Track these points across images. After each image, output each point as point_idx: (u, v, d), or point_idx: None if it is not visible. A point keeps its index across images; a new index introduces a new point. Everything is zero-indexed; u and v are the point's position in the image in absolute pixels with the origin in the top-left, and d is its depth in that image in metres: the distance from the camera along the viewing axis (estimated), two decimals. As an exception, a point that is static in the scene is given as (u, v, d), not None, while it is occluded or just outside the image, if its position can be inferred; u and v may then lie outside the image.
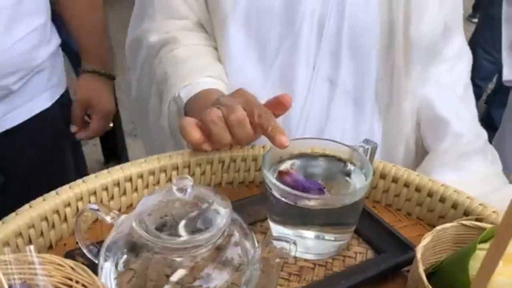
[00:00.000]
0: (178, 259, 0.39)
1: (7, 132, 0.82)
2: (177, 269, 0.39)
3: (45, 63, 0.86)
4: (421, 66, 0.69)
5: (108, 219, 0.43)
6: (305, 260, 0.49)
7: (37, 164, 0.90)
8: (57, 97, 0.91)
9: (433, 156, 0.69)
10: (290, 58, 0.67)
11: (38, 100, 0.87)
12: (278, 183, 0.46)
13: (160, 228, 0.39)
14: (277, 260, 0.38)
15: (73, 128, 0.96)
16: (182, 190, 0.39)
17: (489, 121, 2.14)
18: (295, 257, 0.50)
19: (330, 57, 0.67)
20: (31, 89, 0.84)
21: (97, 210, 0.43)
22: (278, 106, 0.53)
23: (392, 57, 0.67)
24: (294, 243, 0.38)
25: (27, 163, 0.89)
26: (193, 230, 0.39)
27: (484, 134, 0.74)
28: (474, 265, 0.39)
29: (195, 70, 0.66)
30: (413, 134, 0.73)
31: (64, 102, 0.94)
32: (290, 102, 0.53)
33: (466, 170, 0.67)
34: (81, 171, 1.00)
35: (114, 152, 2.08)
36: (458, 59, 0.74)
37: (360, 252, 0.51)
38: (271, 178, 0.47)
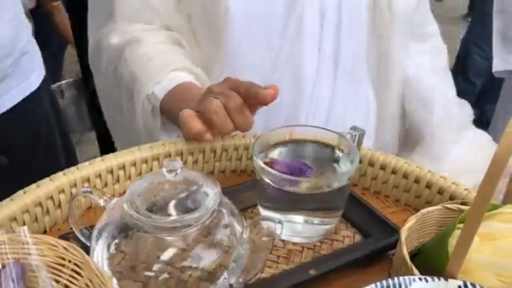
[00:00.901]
0: (168, 239, 0.40)
1: (4, 114, 0.85)
2: (167, 249, 0.40)
3: (28, 45, 0.89)
4: (403, 38, 0.74)
5: (101, 202, 0.44)
6: (294, 243, 0.51)
7: (35, 144, 0.93)
8: (41, 78, 0.93)
9: (429, 130, 0.75)
10: (296, 43, 0.69)
11: (28, 81, 0.90)
12: (267, 168, 0.47)
13: (151, 208, 0.40)
14: (264, 238, 0.39)
15: None
16: (172, 171, 0.40)
17: (481, 117, 2.16)
18: (283, 241, 0.51)
19: (332, 38, 0.70)
20: (21, 71, 0.87)
21: (90, 192, 0.44)
22: (265, 97, 0.54)
23: (377, 31, 0.71)
24: (280, 222, 0.39)
25: (26, 144, 0.91)
26: (182, 210, 0.40)
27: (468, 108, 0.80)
28: (453, 243, 0.40)
29: (163, 66, 0.66)
30: (400, 109, 0.78)
31: (48, 85, 0.96)
32: (277, 92, 0.54)
33: (467, 139, 0.74)
34: (70, 158, 1.02)
35: (112, 150, 2.08)
36: (435, 44, 0.81)
37: (348, 236, 0.52)
38: (260, 163, 0.48)
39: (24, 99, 0.88)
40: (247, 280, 0.41)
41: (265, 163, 0.50)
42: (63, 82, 1.77)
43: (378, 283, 0.36)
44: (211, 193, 0.42)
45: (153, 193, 0.41)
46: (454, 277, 0.37)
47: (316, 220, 0.51)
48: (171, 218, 0.39)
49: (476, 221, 0.34)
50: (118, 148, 0.82)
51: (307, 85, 0.71)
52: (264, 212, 0.52)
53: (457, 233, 0.40)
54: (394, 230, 0.51)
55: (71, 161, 1.02)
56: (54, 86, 1.46)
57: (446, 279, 0.37)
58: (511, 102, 1.04)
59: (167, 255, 0.40)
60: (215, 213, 0.42)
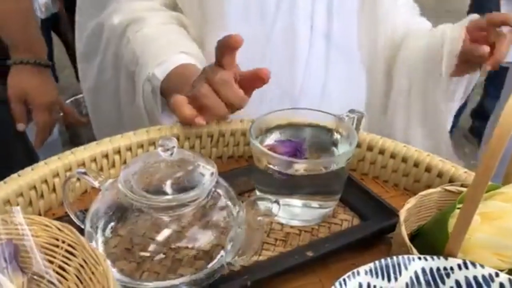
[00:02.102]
0: (164, 218, 0.39)
1: None
2: (163, 229, 0.40)
3: None
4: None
5: (96, 183, 0.43)
6: (291, 226, 0.50)
7: None
8: None
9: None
10: (289, 19, 0.69)
11: None
12: (264, 149, 0.47)
13: (146, 188, 0.39)
14: (259, 218, 0.38)
15: (20, 127, 0.88)
16: (167, 150, 0.39)
17: (482, 112, 2.15)
18: (281, 224, 0.50)
19: (324, 14, 0.70)
20: None
21: (85, 174, 0.43)
22: (256, 79, 0.53)
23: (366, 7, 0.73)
24: (276, 202, 0.38)
25: None
26: (178, 190, 0.39)
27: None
28: (453, 222, 0.39)
29: (167, 47, 0.66)
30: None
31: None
32: (268, 76, 0.53)
33: None
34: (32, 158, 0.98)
35: None
36: None
37: (346, 219, 0.51)
38: (257, 144, 0.47)
39: None
40: (243, 258, 0.40)
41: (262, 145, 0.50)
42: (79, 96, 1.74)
43: (377, 262, 0.35)
44: (208, 173, 0.41)
45: (149, 173, 0.40)
46: (453, 256, 0.36)
47: (314, 204, 0.51)
48: (167, 197, 0.38)
49: (476, 199, 0.33)
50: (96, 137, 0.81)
51: (301, 61, 0.71)
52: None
53: (457, 213, 0.40)
54: (392, 213, 0.50)
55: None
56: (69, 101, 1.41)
57: (445, 258, 0.36)
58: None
59: (162, 235, 0.40)
60: (211, 194, 0.42)
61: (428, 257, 0.36)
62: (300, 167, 0.46)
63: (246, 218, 0.39)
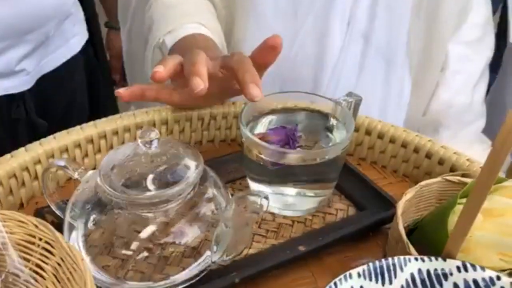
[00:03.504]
0: (147, 215, 0.37)
1: (43, 77, 0.85)
2: (146, 226, 0.38)
3: (72, 8, 0.87)
4: (451, 22, 0.68)
5: (75, 175, 0.41)
6: (284, 217, 0.48)
7: (71, 108, 0.94)
8: (83, 43, 0.93)
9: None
10: (324, 13, 0.63)
11: (68, 46, 0.89)
12: (255, 139, 0.44)
13: (126, 183, 0.37)
14: (248, 215, 0.36)
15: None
16: (147, 142, 0.37)
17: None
18: (273, 214, 0.48)
19: (366, 11, 0.64)
20: (62, 35, 0.87)
21: (64, 166, 0.41)
22: (268, 51, 0.48)
23: (423, 11, 0.65)
24: (266, 198, 0.36)
25: (63, 108, 0.92)
26: (161, 184, 0.37)
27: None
28: (454, 219, 0.37)
29: (182, 15, 0.61)
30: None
31: (88, 51, 0.96)
32: (280, 43, 0.47)
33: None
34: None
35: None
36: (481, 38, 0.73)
37: (341, 209, 0.49)
38: (247, 133, 0.44)
39: (65, 63, 0.88)
40: (230, 257, 0.38)
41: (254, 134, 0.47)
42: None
43: (371, 264, 0.33)
44: (193, 165, 0.39)
45: (129, 167, 0.38)
46: (453, 257, 0.34)
47: (308, 192, 0.48)
48: (149, 193, 0.36)
49: (481, 198, 0.31)
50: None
51: (329, 61, 0.65)
52: (253, 184, 0.49)
53: (458, 209, 0.37)
54: (390, 203, 0.48)
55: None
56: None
57: (444, 259, 0.34)
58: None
59: (146, 232, 0.37)
60: (197, 187, 0.39)
61: (425, 258, 0.34)
62: (293, 157, 0.44)
63: (234, 215, 0.36)
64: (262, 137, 0.46)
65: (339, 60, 0.66)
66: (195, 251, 0.39)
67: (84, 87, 0.96)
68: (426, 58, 0.69)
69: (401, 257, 0.34)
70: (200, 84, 0.42)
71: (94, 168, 0.54)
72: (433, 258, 0.34)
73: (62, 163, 0.41)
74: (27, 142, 0.50)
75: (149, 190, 0.36)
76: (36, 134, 0.86)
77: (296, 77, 0.60)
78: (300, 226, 0.47)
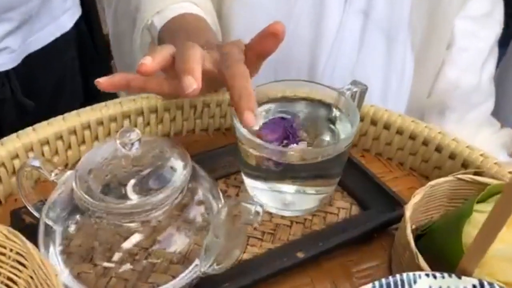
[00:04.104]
0: (128, 225, 0.33)
1: (30, 56, 0.80)
2: (129, 234, 0.34)
3: None
4: None
5: (51, 176, 0.37)
6: (282, 217, 0.44)
7: (60, 88, 0.89)
8: (75, 20, 0.87)
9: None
10: None
11: (57, 23, 0.84)
12: (250, 136, 0.40)
13: (106, 189, 0.33)
14: (240, 225, 0.32)
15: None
16: (126, 144, 0.33)
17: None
18: (270, 213, 0.45)
19: None
20: (51, 11, 0.81)
21: (39, 167, 0.37)
22: (269, 38, 0.43)
23: None
24: (261, 206, 0.32)
25: (51, 87, 0.87)
26: (144, 190, 0.33)
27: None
28: (469, 230, 0.34)
29: None
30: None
31: (81, 27, 0.89)
32: (282, 30, 0.42)
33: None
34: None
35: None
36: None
37: (344, 208, 0.46)
38: (240, 128, 0.40)
39: (53, 41, 0.83)
40: (221, 267, 0.35)
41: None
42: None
43: (377, 282, 0.30)
44: (180, 167, 0.35)
45: (108, 170, 0.34)
46: (469, 274, 0.31)
47: (309, 190, 0.45)
48: (130, 202, 0.32)
49: (507, 211, 0.27)
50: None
51: (326, 40, 0.61)
52: (248, 180, 0.45)
53: (474, 218, 0.34)
54: (396, 202, 0.44)
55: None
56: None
57: (459, 277, 0.30)
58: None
59: (129, 242, 0.34)
60: (185, 190, 0.36)
61: (437, 274, 0.31)
62: (292, 155, 0.40)
63: (225, 224, 0.33)
64: (257, 135, 0.42)
65: (337, 38, 0.62)
66: (184, 258, 0.36)
67: (76, 68, 0.90)
68: (430, 35, 0.65)
69: (410, 274, 0.31)
70: (193, 84, 0.37)
71: (79, 160, 0.51)
72: (446, 275, 0.31)
73: (36, 163, 0.37)
74: (15, 123, 0.46)
75: (131, 198, 0.32)
76: (24, 116, 0.83)
77: (292, 57, 0.55)
78: (299, 227, 0.44)
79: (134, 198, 0.32)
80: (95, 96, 0.97)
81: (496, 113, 0.74)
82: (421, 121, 0.50)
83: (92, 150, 0.35)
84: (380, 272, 0.41)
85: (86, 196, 0.32)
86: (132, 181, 0.33)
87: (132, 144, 0.32)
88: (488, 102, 0.72)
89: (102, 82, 0.42)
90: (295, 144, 0.42)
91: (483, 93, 0.71)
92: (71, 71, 0.90)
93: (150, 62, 0.39)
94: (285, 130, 0.43)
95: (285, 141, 0.42)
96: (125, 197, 0.32)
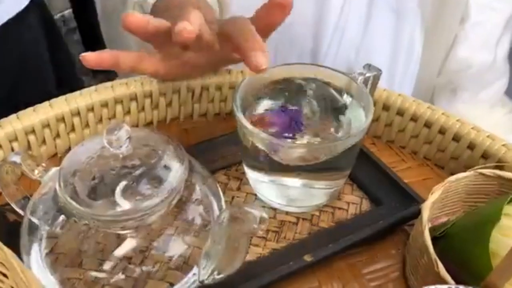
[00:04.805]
0: (118, 232, 0.30)
1: None
2: (121, 241, 0.31)
3: None
4: None
5: (34, 174, 0.33)
6: (287, 213, 0.41)
7: (22, 70, 0.81)
8: None
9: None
10: None
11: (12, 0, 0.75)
12: (252, 128, 0.36)
13: (93, 193, 0.30)
14: (243, 231, 0.29)
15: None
16: (114, 142, 0.29)
17: None
18: (274, 209, 0.42)
19: None
20: None
21: (19, 163, 0.33)
22: (275, 9, 0.40)
23: None
24: (266, 213, 0.29)
25: (13, 69, 0.78)
26: (136, 194, 0.30)
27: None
28: (497, 236, 0.30)
29: None
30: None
31: (42, 6, 0.81)
32: (290, 1, 0.39)
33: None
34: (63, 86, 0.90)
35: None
36: None
37: (354, 203, 0.42)
38: (241, 118, 0.36)
39: (9, 21, 0.74)
40: (222, 276, 0.32)
41: (251, 119, 0.39)
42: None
43: (395, 299, 0.27)
44: (175, 166, 0.32)
45: (95, 171, 0.30)
46: (497, 291, 0.28)
47: (316, 184, 0.41)
48: (120, 209, 0.29)
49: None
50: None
51: (331, 16, 0.57)
52: (250, 172, 0.42)
53: (503, 223, 0.31)
54: (410, 197, 0.41)
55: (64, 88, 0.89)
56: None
57: (485, 292, 0.27)
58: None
59: (121, 250, 0.31)
60: (182, 190, 0.32)
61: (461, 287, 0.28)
62: (297, 151, 0.36)
63: (226, 232, 0.29)
64: (260, 119, 0.39)
65: (342, 13, 0.58)
66: (183, 263, 0.33)
67: (42, 50, 0.81)
68: (442, 8, 0.60)
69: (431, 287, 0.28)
70: (187, 26, 0.33)
71: (69, 149, 0.47)
72: (471, 290, 0.28)
73: (17, 159, 0.33)
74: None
75: (121, 204, 0.29)
76: None
77: (294, 34, 0.51)
78: (306, 224, 0.41)
79: (125, 203, 0.29)
80: (69, 81, 0.91)
81: (510, 92, 0.70)
82: (430, 101, 0.47)
83: (75, 148, 0.31)
84: (393, 274, 0.38)
85: (72, 202, 0.29)
86: (123, 184, 0.30)
87: (121, 143, 0.29)
88: (501, 80, 0.68)
89: (89, 58, 0.38)
90: (300, 136, 0.38)
91: (497, 71, 0.67)
92: (34, 55, 0.81)
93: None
94: (291, 120, 0.39)
95: (288, 133, 0.38)
96: (114, 202, 0.29)
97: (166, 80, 0.47)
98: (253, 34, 0.37)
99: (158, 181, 0.30)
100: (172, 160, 0.32)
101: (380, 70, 0.41)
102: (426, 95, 0.67)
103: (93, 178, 0.30)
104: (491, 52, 0.65)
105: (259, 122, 0.38)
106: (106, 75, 1.81)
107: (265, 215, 0.29)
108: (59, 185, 0.29)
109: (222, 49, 0.42)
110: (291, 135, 0.38)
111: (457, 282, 0.30)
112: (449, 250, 0.34)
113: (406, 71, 0.64)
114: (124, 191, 0.30)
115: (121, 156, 0.30)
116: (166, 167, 0.31)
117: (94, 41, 0.91)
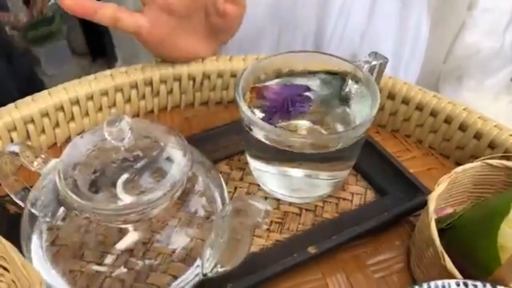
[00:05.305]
0: (120, 226, 0.30)
1: None
2: (123, 235, 0.31)
3: None
4: None
5: (33, 166, 0.33)
6: (290, 204, 0.41)
7: None
8: None
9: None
10: None
11: None
12: (255, 119, 0.35)
13: (94, 186, 0.29)
14: (247, 225, 0.29)
15: None
16: (115, 135, 0.28)
17: None
18: (278, 200, 0.41)
19: None
20: None
21: (17, 154, 0.33)
22: None
23: None
24: (270, 206, 0.28)
25: None
26: (138, 186, 0.29)
27: None
28: (505, 229, 0.30)
29: None
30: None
31: None
32: None
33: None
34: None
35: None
36: None
37: (358, 193, 0.42)
38: (246, 110, 0.36)
39: None
40: (225, 269, 0.31)
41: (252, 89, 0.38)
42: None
43: (402, 293, 0.27)
44: (178, 157, 0.31)
45: (97, 164, 0.30)
46: (506, 285, 0.27)
47: (320, 175, 0.41)
48: (122, 203, 0.28)
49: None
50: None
51: (336, 0, 0.56)
52: (253, 162, 0.41)
53: None
54: (416, 188, 0.41)
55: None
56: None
57: (494, 286, 0.27)
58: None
59: (124, 242, 0.30)
60: (185, 182, 0.32)
61: (469, 283, 0.27)
62: (301, 142, 0.35)
63: (229, 225, 0.29)
64: (261, 88, 0.38)
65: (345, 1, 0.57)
66: (186, 255, 0.32)
67: None
68: None
69: (439, 283, 0.27)
70: None
71: (69, 138, 0.47)
72: (479, 284, 0.27)
73: (15, 149, 0.33)
74: None
75: (123, 198, 0.28)
76: None
77: (298, 18, 0.50)
78: (309, 215, 0.40)
79: (126, 197, 0.28)
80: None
81: None
82: (435, 88, 0.46)
83: (75, 140, 0.31)
84: (398, 265, 0.38)
85: (72, 195, 0.28)
86: (124, 176, 0.29)
87: (122, 135, 0.28)
88: (508, 67, 0.67)
89: (67, 1, 0.37)
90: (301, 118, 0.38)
91: (504, 58, 0.66)
92: None
93: None
94: (290, 96, 0.38)
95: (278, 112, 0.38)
96: (116, 196, 0.28)
97: (152, 40, 0.44)
98: None
99: (160, 174, 0.30)
100: (175, 152, 0.31)
101: (387, 59, 0.40)
102: (431, 82, 0.67)
103: (94, 171, 0.29)
104: (499, 38, 0.64)
105: (258, 93, 0.38)
106: (106, 60, 1.79)
107: (269, 208, 0.28)
108: (59, 178, 0.29)
109: None
110: (291, 110, 0.37)
111: (463, 275, 0.30)
112: (456, 242, 0.33)
113: (412, 57, 0.63)
114: (126, 184, 0.29)
115: (122, 148, 0.29)
116: (169, 159, 0.31)
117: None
